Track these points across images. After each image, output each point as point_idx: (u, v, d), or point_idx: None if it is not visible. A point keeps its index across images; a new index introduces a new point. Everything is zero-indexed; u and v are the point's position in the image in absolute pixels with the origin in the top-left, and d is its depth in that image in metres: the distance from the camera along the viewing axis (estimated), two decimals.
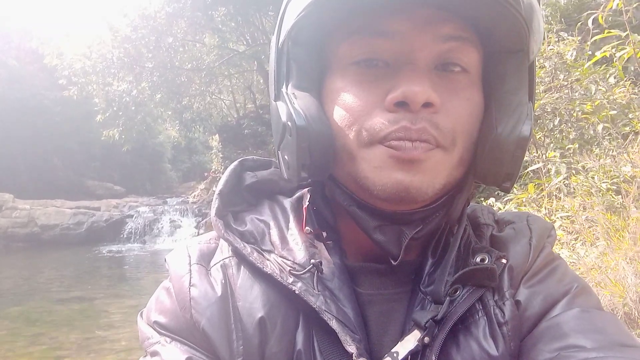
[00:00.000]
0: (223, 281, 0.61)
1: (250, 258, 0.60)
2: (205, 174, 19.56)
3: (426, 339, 0.54)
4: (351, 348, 0.53)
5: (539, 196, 3.98)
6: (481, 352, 0.54)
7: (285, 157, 0.58)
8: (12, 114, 18.66)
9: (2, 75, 18.97)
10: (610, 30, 3.00)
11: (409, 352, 0.55)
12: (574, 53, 4.26)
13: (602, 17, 3.03)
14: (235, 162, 0.72)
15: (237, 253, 0.63)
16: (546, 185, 3.85)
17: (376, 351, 0.58)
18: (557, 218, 3.67)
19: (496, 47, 0.58)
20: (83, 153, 21.25)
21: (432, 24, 0.54)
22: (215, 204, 0.66)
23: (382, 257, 0.61)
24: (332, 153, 0.57)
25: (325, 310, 0.55)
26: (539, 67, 4.46)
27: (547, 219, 3.85)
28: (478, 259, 0.60)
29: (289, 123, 0.55)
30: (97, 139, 17.06)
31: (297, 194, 0.71)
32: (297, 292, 0.57)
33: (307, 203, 0.65)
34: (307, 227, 0.63)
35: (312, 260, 0.59)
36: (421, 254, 0.63)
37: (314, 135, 0.55)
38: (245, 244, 0.62)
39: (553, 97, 4.23)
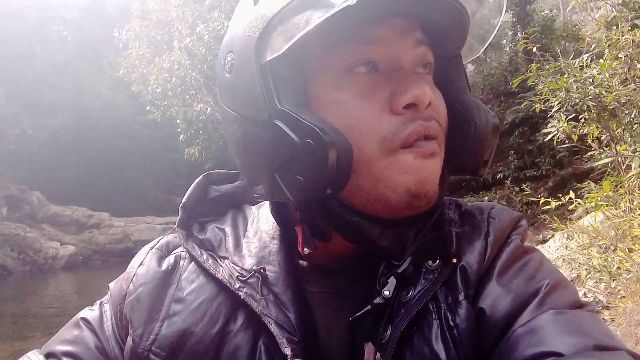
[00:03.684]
0: (171, 267, 0.67)
1: (205, 265, 0.64)
2: None
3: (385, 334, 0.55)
4: (287, 350, 0.55)
5: (617, 194, 3.76)
6: (432, 355, 0.53)
7: (298, 177, 0.52)
8: (105, 140, 20.35)
9: (96, 104, 20.70)
10: None
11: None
12: None
13: None
14: (200, 177, 0.75)
15: (195, 260, 0.66)
16: (626, 182, 3.64)
17: (324, 349, 0.60)
18: (638, 215, 3.47)
19: (441, 53, 0.63)
20: (170, 172, 22.51)
21: (408, 30, 0.57)
22: (179, 215, 0.70)
23: (333, 256, 0.63)
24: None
25: (265, 314, 0.57)
26: (613, 59, 4.21)
27: (628, 216, 3.59)
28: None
29: (309, 140, 0.50)
30: (181, 158, 17.93)
31: (260, 203, 0.73)
32: (242, 297, 0.59)
33: (300, 224, 0.61)
34: (304, 249, 0.60)
35: (254, 267, 0.62)
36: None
37: (342, 148, 0.50)
38: (203, 252, 0.66)
39: (628, 88, 3.98)
